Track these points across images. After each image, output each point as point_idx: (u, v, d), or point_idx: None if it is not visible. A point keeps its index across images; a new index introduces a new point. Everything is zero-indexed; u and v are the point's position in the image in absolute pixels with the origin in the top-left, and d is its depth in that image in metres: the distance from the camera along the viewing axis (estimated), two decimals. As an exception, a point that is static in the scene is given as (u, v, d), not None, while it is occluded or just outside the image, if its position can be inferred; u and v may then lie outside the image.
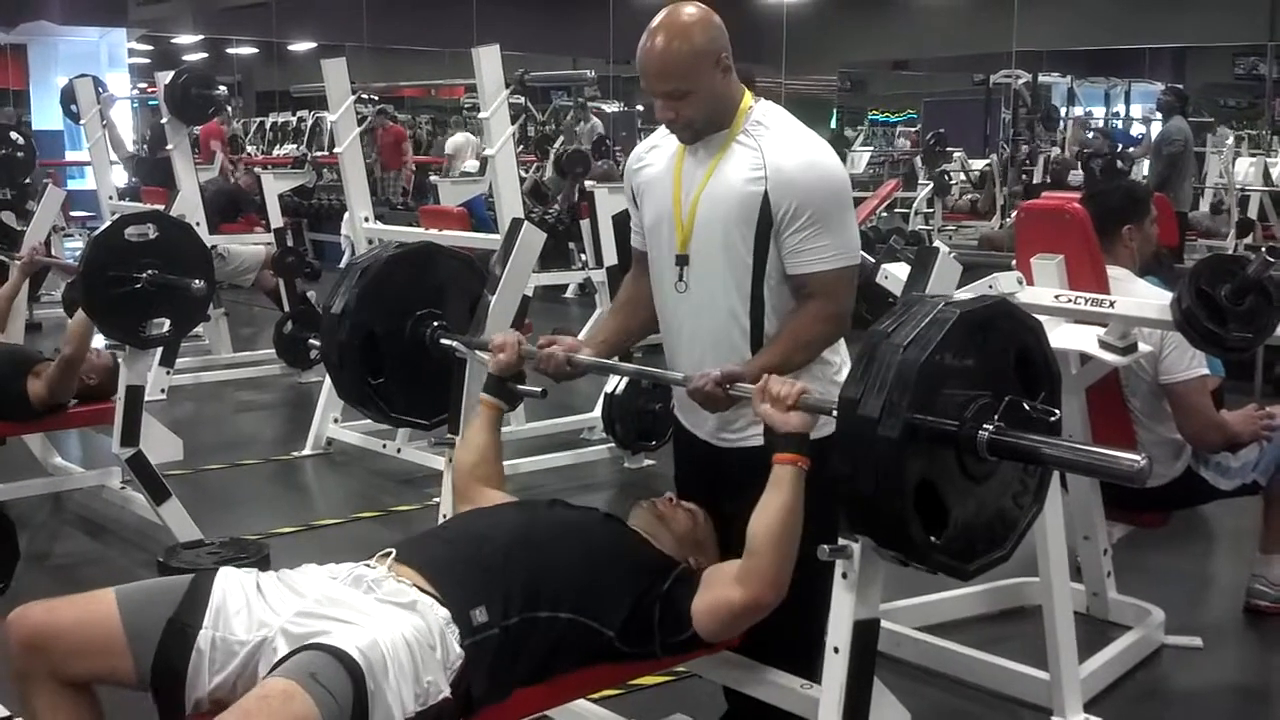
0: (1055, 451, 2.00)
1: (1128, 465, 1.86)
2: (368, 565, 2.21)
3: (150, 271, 4.03)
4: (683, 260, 2.54)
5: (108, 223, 4.24)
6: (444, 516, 3.37)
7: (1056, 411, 2.09)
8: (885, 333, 2.01)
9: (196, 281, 4.05)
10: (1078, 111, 17.59)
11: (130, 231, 4.08)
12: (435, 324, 3.05)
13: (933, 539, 2.01)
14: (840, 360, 2.55)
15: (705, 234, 2.50)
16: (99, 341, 4.48)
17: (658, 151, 2.65)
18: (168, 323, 4.09)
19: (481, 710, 2.14)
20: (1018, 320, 2.17)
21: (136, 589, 2.17)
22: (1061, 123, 16.12)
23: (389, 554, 2.23)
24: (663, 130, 2.62)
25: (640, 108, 18.61)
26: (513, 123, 5.24)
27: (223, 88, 6.84)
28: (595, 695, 2.70)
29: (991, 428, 1.99)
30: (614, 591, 2.29)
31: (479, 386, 2.86)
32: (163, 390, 6.70)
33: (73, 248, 11.36)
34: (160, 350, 6.34)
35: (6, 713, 3.07)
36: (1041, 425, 2.04)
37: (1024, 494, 2.18)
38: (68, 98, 8.76)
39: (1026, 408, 2.04)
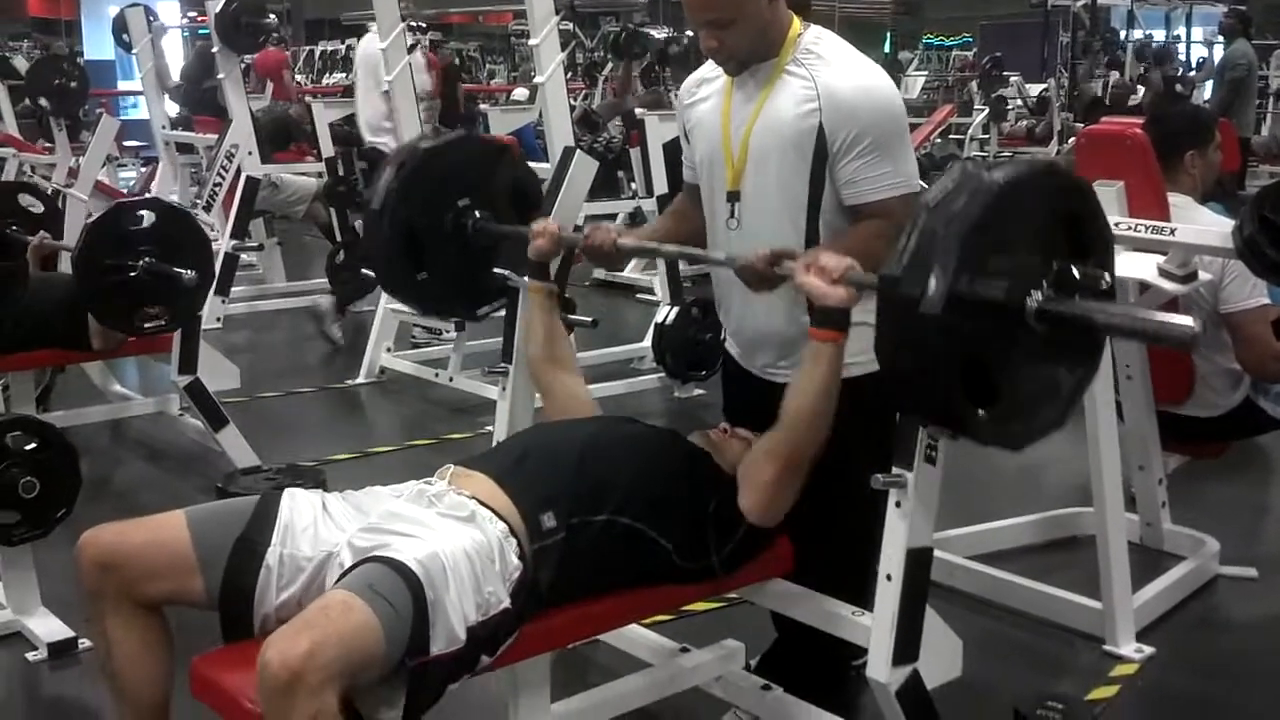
0: (1108, 318, 1.90)
1: (1181, 330, 1.78)
2: (428, 482, 2.25)
3: (146, 260, 3.87)
4: (734, 196, 2.50)
5: (104, 210, 4.06)
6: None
7: (1107, 276, 2.00)
8: (927, 204, 1.92)
9: (188, 273, 3.88)
10: (1137, 34, 17.19)
11: (128, 219, 3.92)
12: (476, 214, 2.90)
13: (982, 413, 1.94)
14: None
15: (758, 169, 2.45)
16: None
17: (709, 85, 2.60)
18: (162, 315, 3.96)
19: (541, 616, 2.17)
20: (1063, 182, 2.06)
21: (206, 510, 2.22)
22: (1120, 46, 15.83)
23: (449, 468, 2.27)
24: (712, 69, 2.57)
25: (690, 34, 18.40)
26: (562, 50, 5.18)
27: (273, 16, 6.81)
28: (647, 621, 2.73)
29: (1040, 296, 1.90)
30: (676, 504, 2.31)
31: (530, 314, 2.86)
32: (219, 319, 6.76)
33: (126, 178, 11.47)
34: (216, 279, 6.39)
35: (71, 634, 3.16)
36: (1092, 291, 1.95)
37: (1075, 360, 2.08)
38: (119, 27, 8.77)
39: (1076, 274, 1.95)
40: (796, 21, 2.45)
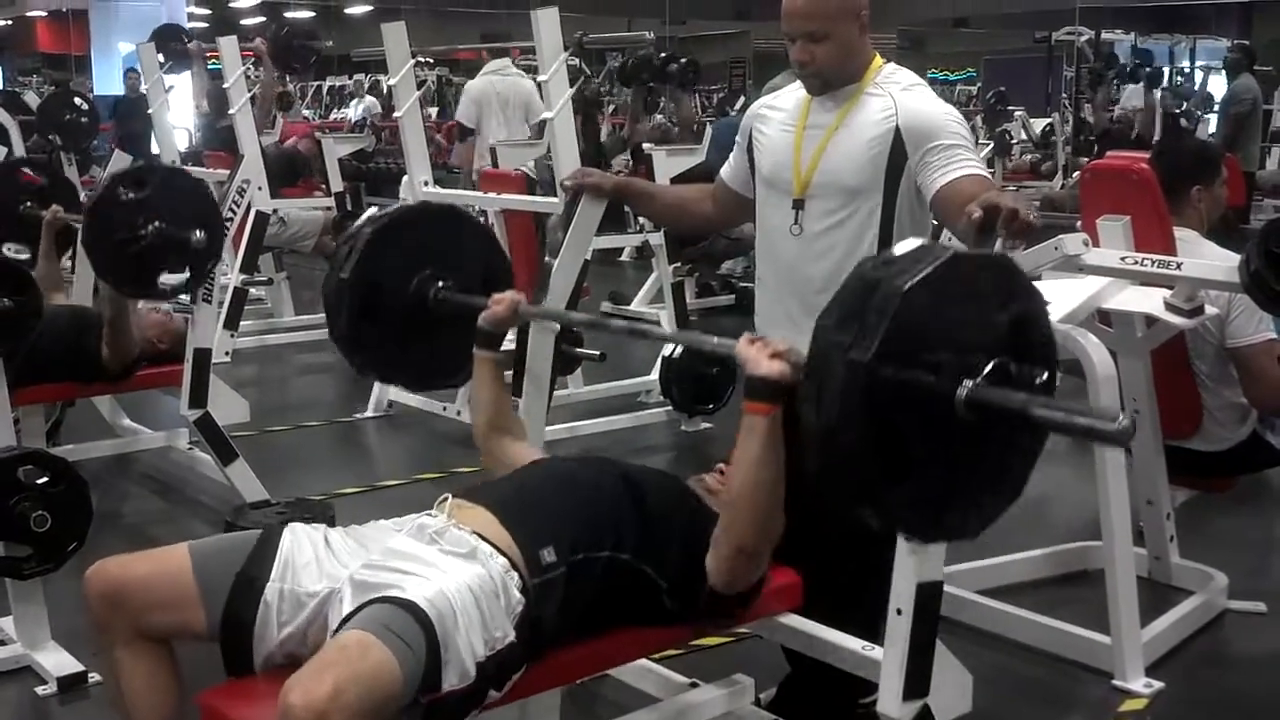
0: (1038, 410, 1.75)
1: (1113, 431, 1.68)
2: (429, 515, 2.25)
3: (154, 225, 3.82)
4: (799, 205, 2.61)
5: (101, 185, 4.01)
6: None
7: (1046, 373, 1.87)
8: (876, 260, 1.86)
9: (196, 233, 3.82)
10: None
11: (124, 190, 3.86)
12: (440, 284, 2.85)
13: (893, 486, 1.82)
14: None
15: (829, 177, 2.57)
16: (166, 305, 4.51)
17: (784, 99, 2.73)
18: (185, 274, 3.91)
19: (546, 654, 2.17)
20: (1017, 280, 1.94)
21: (208, 543, 2.24)
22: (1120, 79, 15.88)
23: (446, 498, 2.27)
24: (786, 89, 2.71)
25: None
26: (571, 85, 5.21)
27: (330, 42, 6.83)
28: (656, 655, 2.73)
29: (973, 384, 1.79)
30: (672, 542, 2.31)
31: (540, 348, 2.88)
32: (227, 353, 6.78)
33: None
34: (224, 314, 6.42)
35: (81, 668, 3.16)
36: (1027, 386, 1.83)
37: (1000, 475, 1.95)
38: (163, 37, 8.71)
39: (1013, 371, 1.83)
40: (878, 58, 2.63)
